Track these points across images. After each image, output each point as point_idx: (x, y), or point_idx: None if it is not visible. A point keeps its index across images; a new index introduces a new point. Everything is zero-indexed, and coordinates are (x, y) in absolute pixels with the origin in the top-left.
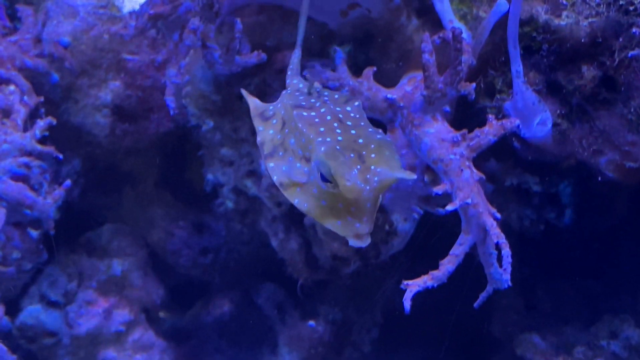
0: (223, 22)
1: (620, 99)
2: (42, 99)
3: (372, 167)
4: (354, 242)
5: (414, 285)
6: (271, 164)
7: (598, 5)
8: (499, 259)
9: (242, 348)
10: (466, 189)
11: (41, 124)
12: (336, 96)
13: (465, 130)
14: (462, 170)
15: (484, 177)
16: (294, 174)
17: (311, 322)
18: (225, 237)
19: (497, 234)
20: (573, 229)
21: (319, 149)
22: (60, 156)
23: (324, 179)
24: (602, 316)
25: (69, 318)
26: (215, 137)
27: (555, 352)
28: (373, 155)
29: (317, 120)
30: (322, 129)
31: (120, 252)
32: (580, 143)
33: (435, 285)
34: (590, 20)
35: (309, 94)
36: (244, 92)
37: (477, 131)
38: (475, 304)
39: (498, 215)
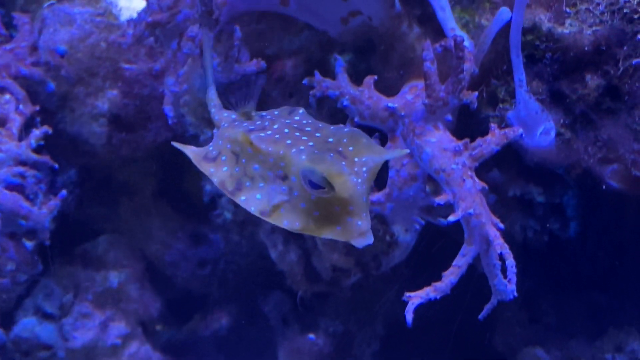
0: (222, 30)
1: (624, 108)
2: (37, 107)
3: (356, 159)
4: (359, 242)
5: (416, 298)
6: (242, 197)
7: (602, 13)
8: (503, 269)
9: None
10: (468, 199)
11: (37, 133)
12: (276, 112)
13: (467, 140)
14: (464, 180)
15: (486, 187)
16: (272, 198)
17: (311, 335)
18: (223, 249)
19: (500, 245)
20: (578, 241)
21: (299, 158)
22: (56, 166)
23: (314, 186)
24: (607, 329)
25: (64, 331)
26: None
27: None
28: (351, 149)
29: (277, 136)
30: (288, 142)
31: (117, 264)
32: (584, 152)
33: (438, 297)
34: (594, 28)
35: (249, 118)
36: (175, 144)
37: (479, 140)
38: (480, 316)
39: (501, 225)
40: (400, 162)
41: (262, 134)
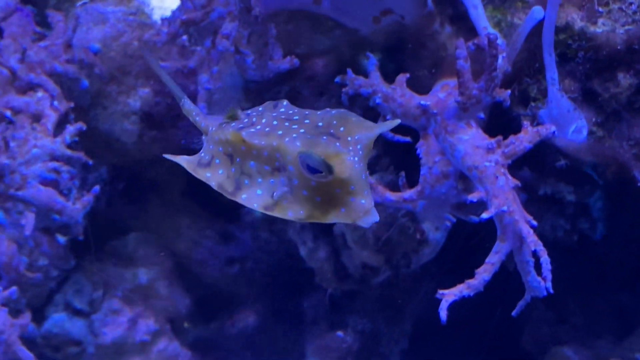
0: (252, 31)
1: None
2: (72, 104)
3: (349, 138)
4: (365, 221)
5: (449, 295)
6: (243, 196)
7: (634, 12)
8: (536, 266)
9: (269, 359)
10: (501, 196)
11: (71, 129)
12: (260, 108)
13: (500, 137)
14: (497, 177)
15: (519, 184)
16: (273, 191)
17: (339, 333)
18: (251, 247)
19: (534, 242)
20: (604, 241)
21: (293, 146)
22: (90, 162)
23: (313, 171)
24: (635, 329)
25: (94, 327)
26: None
27: None
28: (342, 129)
29: (267, 129)
30: (280, 132)
31: (146, 261)
32: (616, 151)
33: (472, 294)
34: (626, 27)
35: (236, 118)
36: (167, 155)
37: (512, 138)
38: (513, 313)
39: (534, 222)
40: (433, 160)
41: (252, 130)
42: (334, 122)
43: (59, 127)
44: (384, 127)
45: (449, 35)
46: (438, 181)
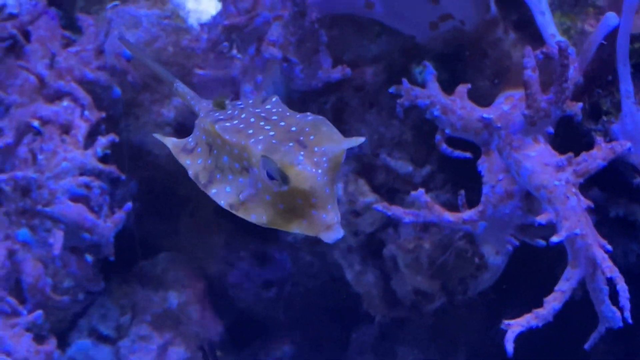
0: (301, 37)
1: None
2: (103, 114)
3: (316, 149)
4: (326, 236)
5: (516, 326)
6: (213, 190)
7: None
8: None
9: None
10: (573, 218)
11: (103, 141)
12: (251, 102)
13: (571, 154)
14: (568, 197)
15: (592, 205)
16: (240, 190)
17: None
18: (290, 270)
19: (609, 268)
20: None
21: (256, 148)
22: (123, 176)
23: (271, 177)
24: None
25: (120, 354)
26: None
27: None
28: (312, 137)
29: (241, 126)
30: (250, 131)
31: (177, 284)
32: None
33: (540, 325)
34: None
35: (223, 108)
36: (156, 135)
37: (584, 155)
38: (586, 345)
39: (609, 247)
40: (496, 178)
41: (227, 124)
42: (307, 129)
43: (89, 138)
44: (352, 142)
45: (513, 42)
46: (501, 201)
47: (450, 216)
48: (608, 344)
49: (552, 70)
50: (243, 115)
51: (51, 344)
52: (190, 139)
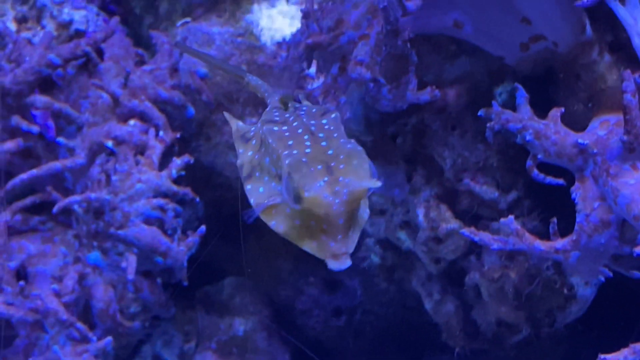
0: (389, 56)
1: None
2: (178, 134)
3: (341, 179)
4: (332, 264)
5: None
6: (248, 186)
7: None
8: None
9: None
10: None
11: (178, 162)
12: (314, 110)
13: None
14: None
15: None
16: (270, 195)
17: None
18: (361, 297)
19: None
20: None
21: (284, 162)
22: (197, 199)
23: (289, 193)
24: None
25: None
26: None
27: None
28: (342, 166)
29: (287, 134)
30: (290, 142)
31: (243, 310)
32: None
33: None
34: None
35: (286, 108)
36: (226, 114)
37: None
38: None
39: None
40: (591, 206)
41: (275, 128)
42: (341, 156)
43: (163, 158)
44: (371, 183)
45: (608, 65)
46: (597, 230)
47: (541, 245)
48: None
49: None
50: (295, 124)
51: None
52: (252, 128)
